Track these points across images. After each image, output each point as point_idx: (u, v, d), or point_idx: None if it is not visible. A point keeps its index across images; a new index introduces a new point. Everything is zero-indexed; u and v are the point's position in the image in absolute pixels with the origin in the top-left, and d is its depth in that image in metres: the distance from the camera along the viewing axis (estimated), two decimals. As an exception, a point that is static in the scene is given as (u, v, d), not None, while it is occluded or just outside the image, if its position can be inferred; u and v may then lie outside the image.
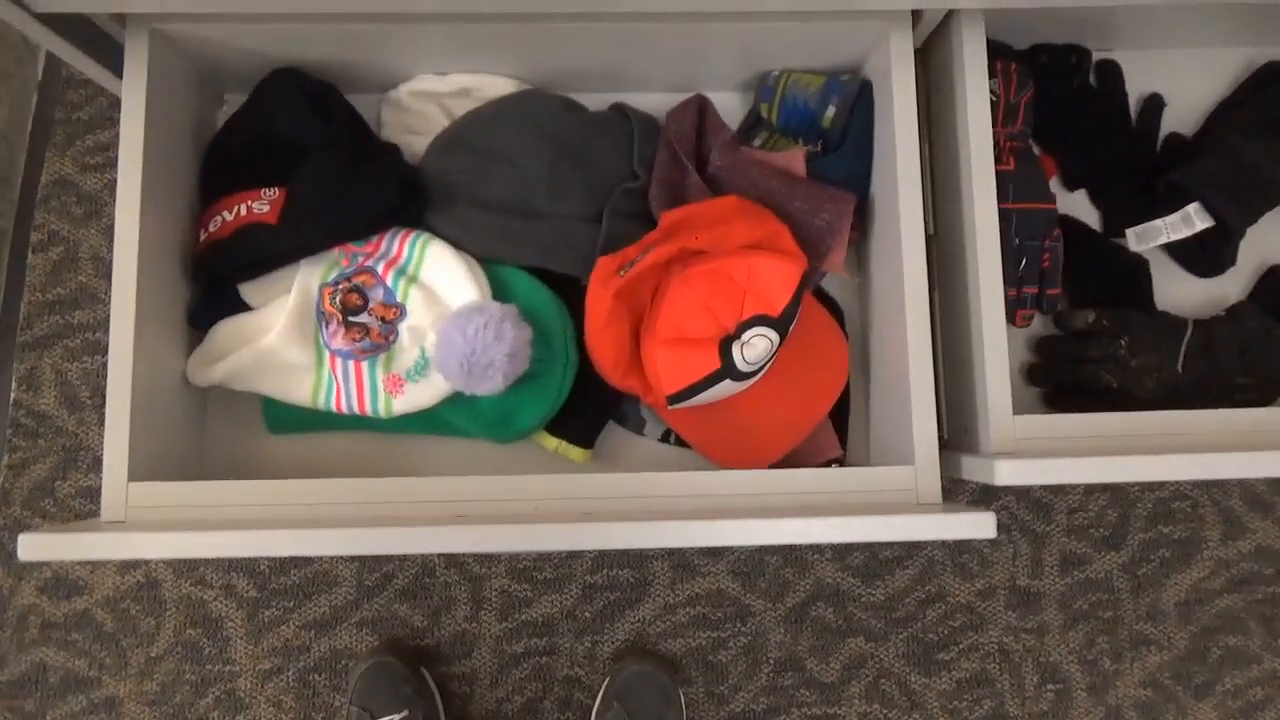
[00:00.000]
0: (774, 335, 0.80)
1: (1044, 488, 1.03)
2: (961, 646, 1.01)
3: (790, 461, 0.85)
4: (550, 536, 0.71)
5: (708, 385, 0.79)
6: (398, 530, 0.68)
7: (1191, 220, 0.87)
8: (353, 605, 1.00)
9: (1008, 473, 0.70)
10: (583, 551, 1.01)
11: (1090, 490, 1.03)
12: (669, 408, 0.81)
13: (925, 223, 0.80)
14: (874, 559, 1.02)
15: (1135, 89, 0.94)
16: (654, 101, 0.92)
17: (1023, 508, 1.02)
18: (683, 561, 1.01)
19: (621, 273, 0.79)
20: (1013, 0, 0.79)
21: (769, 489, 0.74)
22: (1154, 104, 0.93)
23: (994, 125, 0.86)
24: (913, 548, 1.02)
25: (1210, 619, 1.02)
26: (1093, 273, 0.90)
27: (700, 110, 0.89)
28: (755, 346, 0.79)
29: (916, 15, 0.81)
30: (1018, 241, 0.85)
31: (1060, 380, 0.88)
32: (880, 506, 0.73)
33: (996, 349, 0.76)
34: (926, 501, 0.74)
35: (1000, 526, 1.02)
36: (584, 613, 1.00)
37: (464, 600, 1.00)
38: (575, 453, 0.86)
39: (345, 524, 0.69)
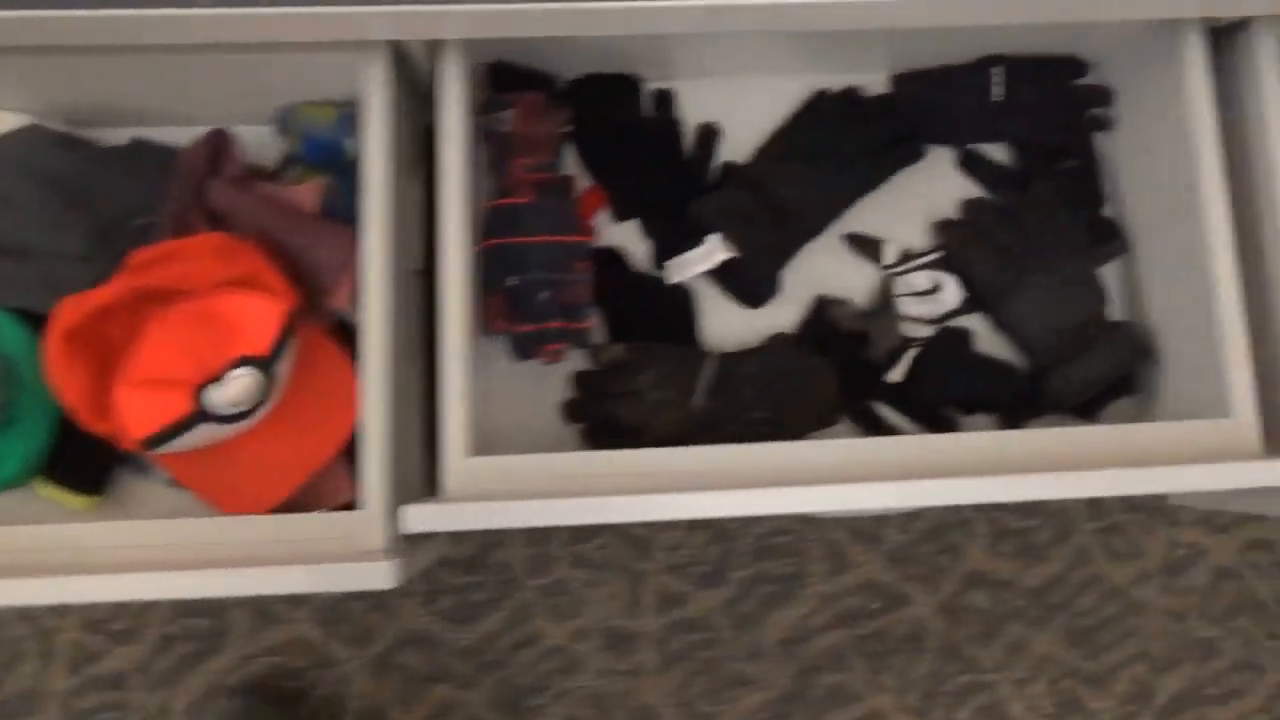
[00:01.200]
0: (259, 375, 0.77)
1: (641, 525, 1.00)
2: (553, 691, 0.98)
3: (300, 505, 0.81)
4: None
5: (183, 429, 0.76)
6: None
7: (714, 251, 0.85)
8: (-84, 663, 0.96)
9: (414, 519, 0.68)
10: (157, 601, 0.97)
11: (691, 526, 1.00)
12: (146, 453, 0.78)
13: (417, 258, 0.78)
14: (465, 602, 0.99)
15: (698, 117, 0.93)
16: (191, 137, 0.89)
17: (621, 545, 1.00)
18: (262, 608, 0.97)
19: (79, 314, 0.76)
20: (492, 29, 0.77)
21: (219, 538, 0.71)
22: (707, 133, 0.91)
23: (511, 157, 0.85)
24: (504, 588, 0.99)
25: (813, 656, 0.99)
26: (633, 306, 0.88)
27: (215, 145, 0.86)
28: (235, 387, 0.76)
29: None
30: (537, 275, 0.83)
31: (591, 416, 0.85)
32: (316, 555, 0.70)
33: (454, 388, 0.74)
34: (370, 549, 0.71)
35: (595, 565, 0.99)
36: (159, 665, 0.96)
37: (33, 654, 0.96)
38: (73, 500, 0.82)
39: None
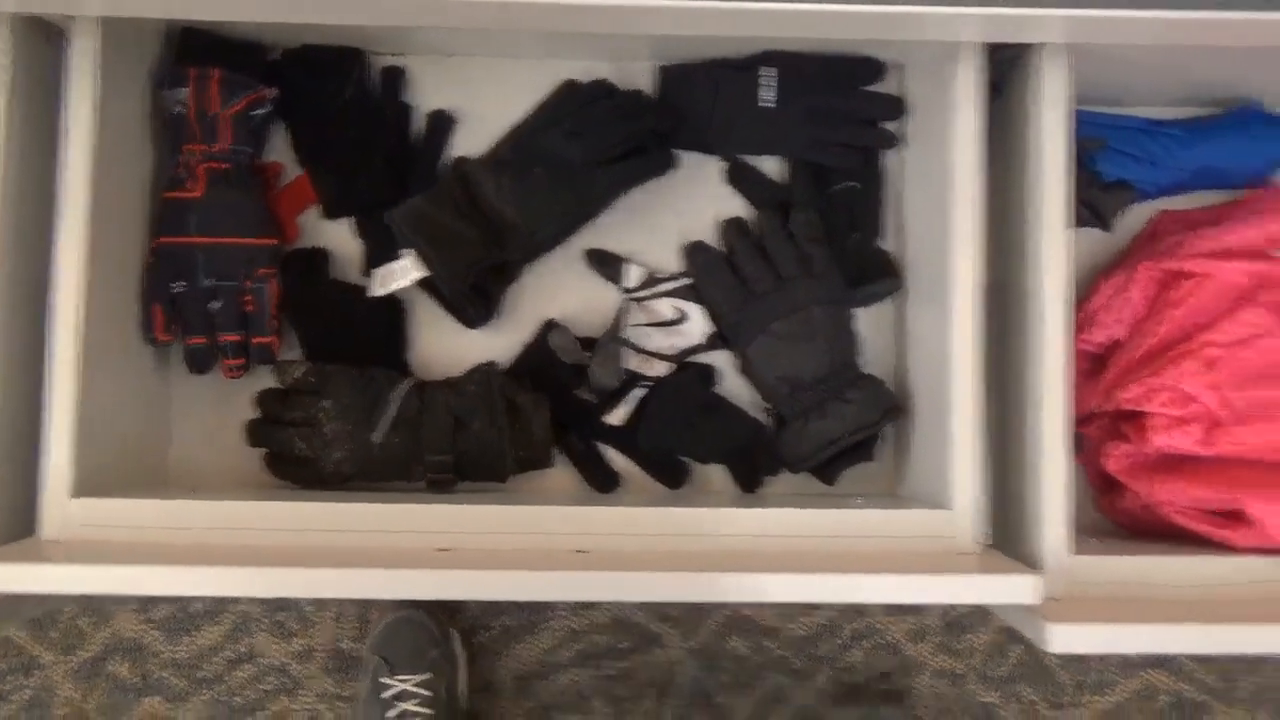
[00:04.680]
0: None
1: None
2: (271, 711, 0.92)
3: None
4: None
5: None
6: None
7: (411, 267, 0.74)
8: None
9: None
10: None
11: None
12: None
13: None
14: (183, 611, 0.92)
15: (433, 102, 0.81)
16: None
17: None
18: None
19: None
20: (133, 7, 0.65)
21: None
22: (439, 121, 0.80)
23: (185, 143, 0.74)
24: (225, 601, 0.92)
25: (551, 694, 0.92)
26: (332, 320, 0.78)
27: None
28: None
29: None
30: (206, 281, 0.74)
31: (269, 443, 0.77)
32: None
33: (61, 414, 0.65)
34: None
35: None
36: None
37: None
38: None
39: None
